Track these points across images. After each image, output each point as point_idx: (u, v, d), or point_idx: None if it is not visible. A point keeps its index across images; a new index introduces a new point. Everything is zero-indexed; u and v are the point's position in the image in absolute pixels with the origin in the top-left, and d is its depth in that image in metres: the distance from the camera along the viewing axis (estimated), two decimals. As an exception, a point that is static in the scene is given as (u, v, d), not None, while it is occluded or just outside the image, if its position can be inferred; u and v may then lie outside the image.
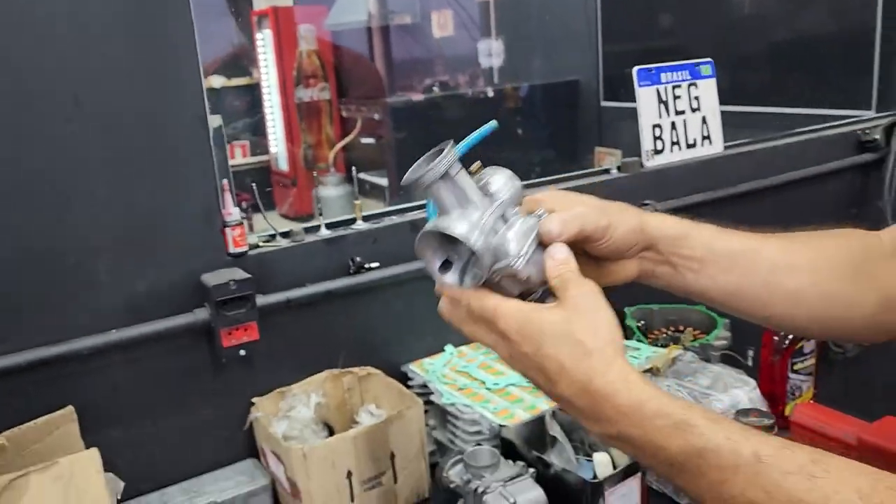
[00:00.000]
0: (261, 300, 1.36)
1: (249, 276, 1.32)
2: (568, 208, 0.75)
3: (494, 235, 0.72)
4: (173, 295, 1.31)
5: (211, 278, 1.31)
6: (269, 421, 1.34)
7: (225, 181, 1.34)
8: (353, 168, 1.73)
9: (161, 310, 1.30)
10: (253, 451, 1.41)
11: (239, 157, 4.76)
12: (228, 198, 1.34)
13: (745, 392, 1.37)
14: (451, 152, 0.69)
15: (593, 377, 0.64)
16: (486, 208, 0.72)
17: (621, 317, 1.55)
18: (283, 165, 4.75)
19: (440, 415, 1.43)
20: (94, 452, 1.15)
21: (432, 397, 1.42)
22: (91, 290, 1.25)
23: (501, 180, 0.75)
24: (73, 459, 1.15)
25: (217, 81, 4.47)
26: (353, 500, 1.26)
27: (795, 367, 1.49)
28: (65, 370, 1.25)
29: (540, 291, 0.74)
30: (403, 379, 1.51)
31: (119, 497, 1.20)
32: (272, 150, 4.84)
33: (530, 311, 0.68)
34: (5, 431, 1.17)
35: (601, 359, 0.64)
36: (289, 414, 1.36)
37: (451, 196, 0.71)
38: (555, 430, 1.30)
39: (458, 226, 0.69)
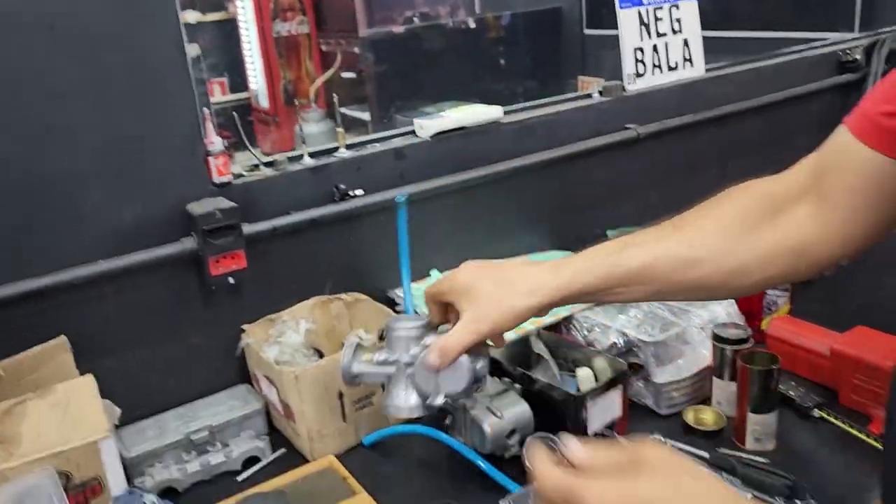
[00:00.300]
0: (247, 229, 1.37)
1: (235, 204, 1.33)
2: (465, 316, 0.95)
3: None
4: (160, 225, 1.32)
5: (196, 207, 1.32)
6: (260, 346, 1.37)
7: (206, 110, 1.34)
8: (335, 97, 1.72)
9: (149, 240, 1.31)
10: (245, 378, 1.45)
11: (218, 94, 4.70)
12: (210, 127, 1.34)
13: (724, 307, 1.41)
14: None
15: None
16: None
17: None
18: (264, 102, 4.69)
19: (428, 337, 1.46)
20: (90, 378, 1.18)
21: (420, 320, 1.45)
22: (77, 222, 1.26)
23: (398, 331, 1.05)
24: (68, 386, 1.18)
25: (192, 16, 4.37)
26: (344, 419, 1.29)
27: (773, 284, 1.53)
28: (56, 302, 1.26)
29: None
30: (391, 304, 1.53)
31: (116, 423, 1.23)
32: (251, 86, 4.77)
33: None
34: (1, 361, 1.19)
35: None
36: (279, 340, 1.39)
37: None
38: (539, 348, 1.34)
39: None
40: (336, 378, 1.26)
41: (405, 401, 1.01)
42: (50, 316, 1.26)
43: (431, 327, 1.05)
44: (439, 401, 0.98)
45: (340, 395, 1.28)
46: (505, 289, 0.94)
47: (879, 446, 1.21)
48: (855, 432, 1.24)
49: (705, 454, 1.21)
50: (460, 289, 0.97)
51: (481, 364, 1.02)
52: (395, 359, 1.03)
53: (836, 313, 1.45)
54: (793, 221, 0.85)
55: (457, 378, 0.97)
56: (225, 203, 1.33)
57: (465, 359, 0.97)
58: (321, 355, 1.46)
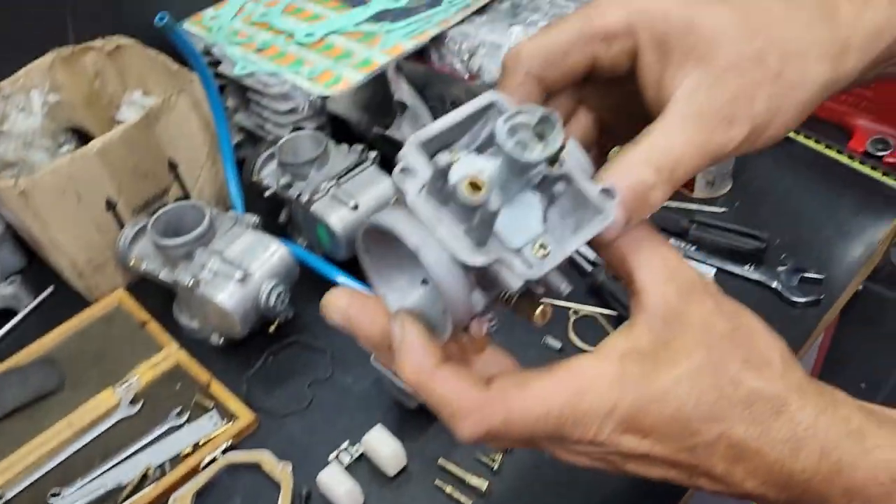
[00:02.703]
0: None
1: None
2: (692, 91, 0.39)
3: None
4: None
5: None
6: (-27, 143, 0.88)
7: None
8: None
9: None
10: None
11: None
12: None
13: None
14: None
15: (799, 445, 0.36)
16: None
17: None
18: None
19: (238, 92, 0.99)
20: None
21: (221, 68, 0.98)
22: None
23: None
24: None
25: None
26: (127, 235, 0.87)
27: None
28: None
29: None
30: (175, 50, 1.03)
31: None
32: None
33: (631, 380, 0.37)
34: None
35: (798, 403, 0.37)
36: (2, 129, 0.90)
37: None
38: (402, 91, 0.91)
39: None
40: (93, 181, 0.82)
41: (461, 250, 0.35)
42: None
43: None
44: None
45: (110, 205, 0.84)
46: (773, 38, 0.39)
47: (862, 168, 0.90)
48: (832, 153, 0.93)
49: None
50: (663, 26, 0.39)
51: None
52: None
53: None
54: None
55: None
56: None
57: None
58: (87, 139, 0.98)
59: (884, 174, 0.88)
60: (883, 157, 0.90)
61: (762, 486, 0.37)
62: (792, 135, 0.95)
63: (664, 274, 0.37)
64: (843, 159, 0.91)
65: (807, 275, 0.80)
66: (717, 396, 0.35)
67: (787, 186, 0.91)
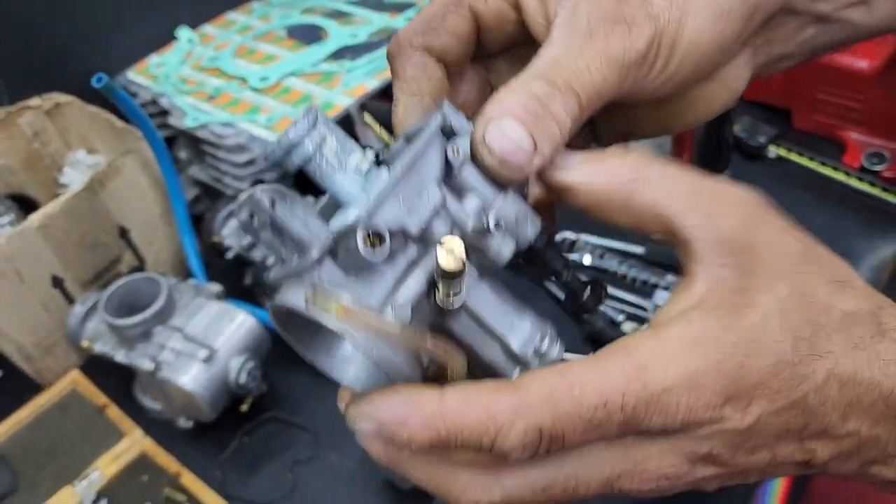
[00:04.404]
0: None
1: None
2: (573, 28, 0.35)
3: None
4: None
5: None
6: None
7: None
8: None
9: None
10: None
11: None
12: None
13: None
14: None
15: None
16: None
17: None
18: None
19: (191, 143, 0.92)
20: None
21: (171, 119, 0.90)
22: None
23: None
24: None
25: None
26: (78, 313, 0.79)
27: None
28: None
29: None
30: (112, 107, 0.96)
31: None
32: None
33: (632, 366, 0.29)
34: None
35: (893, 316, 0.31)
36: (-68, 202, 0.82)
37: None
38: (369, 137, 0.85)
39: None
40: (36, 257, 0.74)
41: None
42: None
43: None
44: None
45: (57, 282, 0.77)
46: None
47: (861, 185, 0.86)
48: (828, 171, 0.88)
49: (638, 249, 0.82)
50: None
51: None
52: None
53: None
54: None
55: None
56: None
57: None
58: (30, 205, 0.90)
59: (883, 190, 0.84)
60: (880, 171, 0.86)
61: (877, 425, 0.31)
62: (784, 153, 0.90)
63: (709, 207, 0.31)
64: (840, 176, 0.86)
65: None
66: (814, 330, 0.29)
67: (786, 207, 0.86)
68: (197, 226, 0.85)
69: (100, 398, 0.78)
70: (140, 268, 0.83)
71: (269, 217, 0.30)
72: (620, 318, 0.77)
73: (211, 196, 0.93)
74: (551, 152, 0.32)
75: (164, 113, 0.92)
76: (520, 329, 0.34)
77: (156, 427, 0.74)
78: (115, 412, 0.76)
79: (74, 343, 0.77)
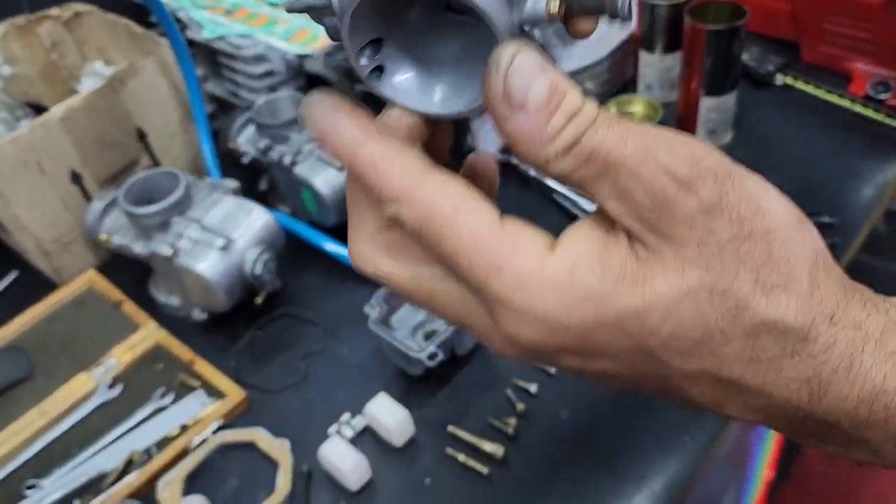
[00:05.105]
0: None
1: None
2: None
3: None
4: None
5: None
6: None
7: None
8: None
9: None
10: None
11: None
12: None
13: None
14: None
15: (825, 388, 0.28)
16: None
17: None
18: None
19: (207, 58, 0.93)
20: None
21: (188, 34, 0.92)
22: None
23: None
24: None
25: None
26: (96, 211, 0.81)
27: None
28: None
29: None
30: (140, 13, 0.97)
31: None
32: None
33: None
34: None
35: (826, 336, 0.27)
36: (-48, 101, 0.83)
37: None
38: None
39: None
40: (56, 151, 0.76)
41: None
42: None
43: None
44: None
45: (76, 178, 0.78)
46: None
47: (865, 111, 0.87)
48: (833, 98, 0.90)
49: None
50: None
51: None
52: None
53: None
54: None
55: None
56: None
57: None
58: (43, 112, 0.91)
59: (887, 116, 0.86)
60: (885, 99, 0.87)
61: (766, 419, 0.29)
62: (790, 81, 0.91)
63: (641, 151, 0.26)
64: (845, 103, 0.88)
65: (819, 219, 0.77)
66: (706, 331, 0.26)
67: (790, 133, 0.87)
68: (214, 137, 0.86)
69: (115, 294, 0.79)
70: (157, 171, 0.85)
71: None
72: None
73: (225, 111, 0.95)
74: None
75: (181, 30, 0.93)
76: None
77: (170, 321, 0.76)
78: (130, 307, 0.78)
79: (91, 239, 0.78)
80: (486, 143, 0.80)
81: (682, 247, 0.26)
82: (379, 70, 0.30)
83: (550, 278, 0.27)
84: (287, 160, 0.77)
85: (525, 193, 0.86)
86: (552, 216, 0.82)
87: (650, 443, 0.62)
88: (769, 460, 1.34)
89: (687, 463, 0.61)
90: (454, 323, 0.31)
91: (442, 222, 0.27)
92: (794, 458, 1.61)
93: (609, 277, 0.27)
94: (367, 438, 0.65)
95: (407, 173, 0.28)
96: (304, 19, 0.89)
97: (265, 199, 0.84)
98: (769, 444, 1.29)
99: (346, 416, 0.66)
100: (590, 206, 0.80)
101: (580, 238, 0.28)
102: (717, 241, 0.26)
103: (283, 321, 0.76)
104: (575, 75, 0.88)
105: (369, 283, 0.75)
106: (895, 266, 1.16)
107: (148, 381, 0.72)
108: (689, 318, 0.26)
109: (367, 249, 0.31)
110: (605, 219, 0.28)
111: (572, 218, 0.81)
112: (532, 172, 0.85)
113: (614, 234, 0.27)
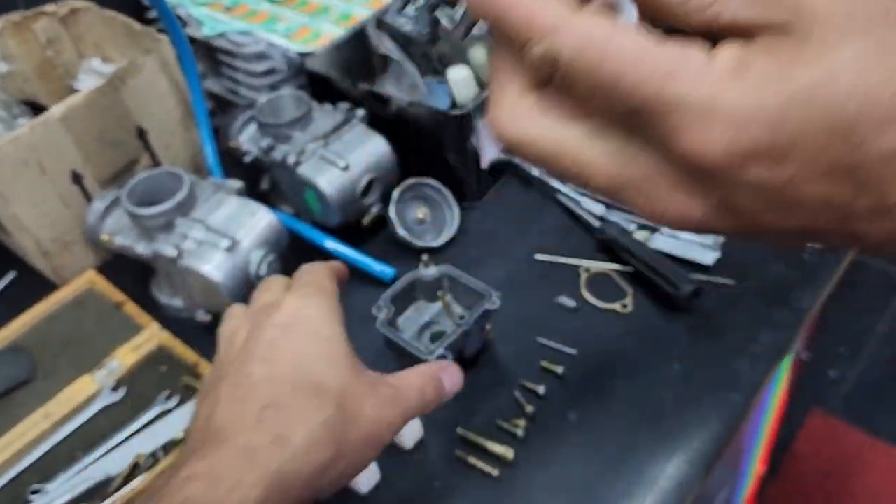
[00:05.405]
0: None
1: None
2: None
3: None
4: None
5: None
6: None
7: None
8: None
9: None
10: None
11: None
12: None
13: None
14: None
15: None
16: None
17: None
18: None
19: (206, 56, 0.92)
20: None
21: (188, 30, 0.91)
22: None
23: None
24: None
25: None
26: (96, 211, 0.80)
27: None
28: None
29: None
30: (138, 10, 0.96)
31: None
32: None
33: None
34: None
35: None
36: (-52, 100, 0.82)
37: None
38: (385, 45, 0.85)
39: None
40: (57, 150, 0.75)
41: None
42: None
43: None
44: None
45: (76, 178, 0.77)
46: None
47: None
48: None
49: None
50: None
51: None
52: None
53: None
54: None
55: None
56: None
57: None
58: (39, 110, 0.90)
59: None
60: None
61: None
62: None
63: None
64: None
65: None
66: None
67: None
68: (216, 135, 0.85)
69: (117, 295, 0.78)
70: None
71: None
72: (632, 227, 0.79)
73: (224, 110, 0.94)
74: None
75: (181, 26, 0.92)
76: None
77: (173, 322, 0.75)
78: (132, 308, 0.77)
79: (92, 239, 0.77)
80: (488, 143, 0.80)
81: (832, 24, 0.24)
82: None
83: (728, 70, 0.25)
84: (290, 160, 0.76)
85: (527, 193, 0.86)
86: (554, 216, 0.82)
87: (659, 444, 0.62)
88: (762, 455, 1.36)
89: (695, 464, 0.61)
90: (605, 188, 0.29)
91: (601, 43, 0.26)
92: (784, 455, 1.63)
93: (781, 61, 0.24)
94: (375, 441, 0.65)
95: (559, 6, 0.27)
96: (306, 16, 0.88)
97: (266, 199, 0.83)
98: (762, 440, 1.30)
99: (353, 418, 0.66)
100: (594, 206, 0.81)
101: (730, 52, 0.25)
102: (865, 8, 0.24)
103: (287, 322, 0.75)
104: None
105: (377, 285, 0.75)
106: (895, 266, 1.17)
107: (152, 383, 0.71)
108: (878, 80, 0.23)
109: (511, 113, 0.29)
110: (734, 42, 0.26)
111: (575, 218, 0.81)
112: (534, 172, 0.85)
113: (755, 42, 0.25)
